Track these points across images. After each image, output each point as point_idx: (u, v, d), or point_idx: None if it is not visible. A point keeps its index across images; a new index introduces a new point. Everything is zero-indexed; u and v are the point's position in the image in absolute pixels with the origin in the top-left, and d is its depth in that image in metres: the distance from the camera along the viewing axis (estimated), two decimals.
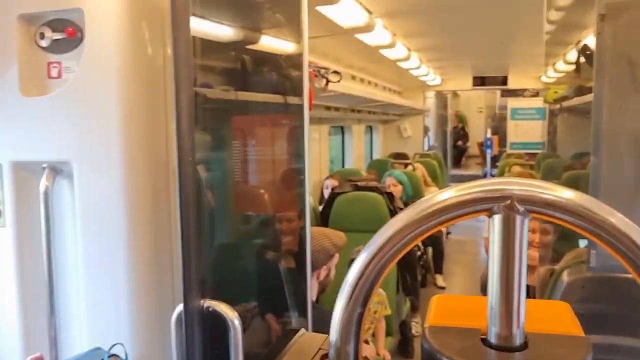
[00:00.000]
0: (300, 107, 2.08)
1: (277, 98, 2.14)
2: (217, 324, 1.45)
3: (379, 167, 6.78)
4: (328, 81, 3.19)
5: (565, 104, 6.48)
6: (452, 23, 4.85)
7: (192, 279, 1.38)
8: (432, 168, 7.17)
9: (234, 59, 2.05)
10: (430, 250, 5.90)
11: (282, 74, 2.12)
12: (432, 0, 3.96)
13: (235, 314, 1.44)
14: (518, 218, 0.60)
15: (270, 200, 2.16)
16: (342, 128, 6.93)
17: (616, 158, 1.84)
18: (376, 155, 8.65)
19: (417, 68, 6.47)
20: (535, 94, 8.94)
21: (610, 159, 1.84)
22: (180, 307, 1.34)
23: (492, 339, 0.63)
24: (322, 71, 3.08)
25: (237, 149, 2.05)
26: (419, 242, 0.65)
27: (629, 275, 1.74)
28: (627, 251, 0.59)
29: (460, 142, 14.10)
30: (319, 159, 5.63)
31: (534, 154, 7.84)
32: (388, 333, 3.67)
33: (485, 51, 6.74)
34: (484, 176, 10.85)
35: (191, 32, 1.14)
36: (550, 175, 5.85)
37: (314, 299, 2.51)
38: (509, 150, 8.24)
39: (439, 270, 6.35)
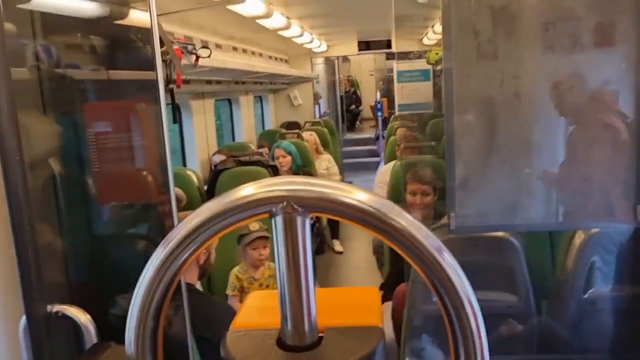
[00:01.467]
0: (154, 85, 1.99)
1: (131, 75, 2.04)
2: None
3: (270, 138, 6.74)
4: (198, 57, 3.09)
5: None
6: None
7: (33, 285, 1.30)
8: (323, 136, 7.22)
9: (82, 37, 1.93)
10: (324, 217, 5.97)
11: (135, 51, 2.02)
12: None
13: (88, 317, 1.37)
14: (298, 218, 0.59)
15: (134, 188, 2.08)
16: (229, 101, 6.81)
17: (467, 122, 1.91)
18: (269, 126, 8.60)
19: (300, 36, 6.44)
20: (419, 56, 9.17)
21: (462, 124, 1.91)
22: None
23: (286, 339, 0.62)
24: (190, 47, 2.97)
25: (92, 136, 1.94)
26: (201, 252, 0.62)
27: (487, 234, 1.83)
28: (411, 248, 0.60)
29: (353, 106, 14.32)
30: (206, 134, 5.51)
31: (422, 115, 8.08)
32: None
33: (368, 16, 6.81)
34: (377, 138, 11.12)
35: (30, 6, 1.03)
36: (434, 135, 6.06)
37: (194, 283, 2.47)
38: (397, 113, 8.43)
39: (335, 235, 6.46)
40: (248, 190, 0.59)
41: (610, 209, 1.88)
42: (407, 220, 0.60)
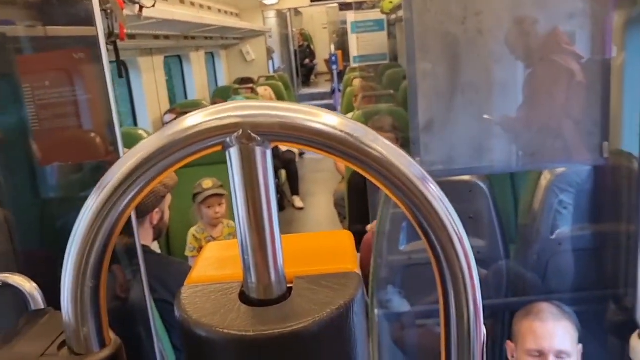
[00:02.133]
0: (94, 40, 1.83)
1: (71, 31, 1.89)
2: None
3: (224, 95, 6.55)
4: (141, 7, 2.90)
5: (400, 13, 6.57)
6: None
7: None
8: (278, 90, 7.06)
9: None
10: (283, 172, 5.89)
11: (73, 2, 1.86)
12: None
13: (34, 285, 1.26)
14: (257, 149, 0.50)
15: (79, 148, 1.95)
16: (179, 57, 6.56)
17: (429, 63, 1.83)
18: (222, 83, 8.37)
19: None
20: (373, 6, 9.00)
21: (424, 65, 1.82)
22: None
23: (250, 292, 0.54)
24: None
25: (28, 91, 1.80)
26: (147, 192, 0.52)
27: (454, 179, 1.76)
28: (390, 178, 0.51)
29: (307, 61, 14.08)
30: (157, 93, 5.30)
31: (378, 66, 7.98)
32: None
33: None
34: (332, 92, 10.98)
35: None
36: (391, 85, 5.97)
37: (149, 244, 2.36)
38: (352, 65, 8.30)
39: (295, 192, 6.40)
40: (195, 119, 0.49)
41: (575, 148, 1.85)
42: (384, 146, 0.51)
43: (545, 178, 1.94)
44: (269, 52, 9.83)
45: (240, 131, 0.49)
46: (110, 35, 2.60)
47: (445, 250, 0.53)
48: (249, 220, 0.52)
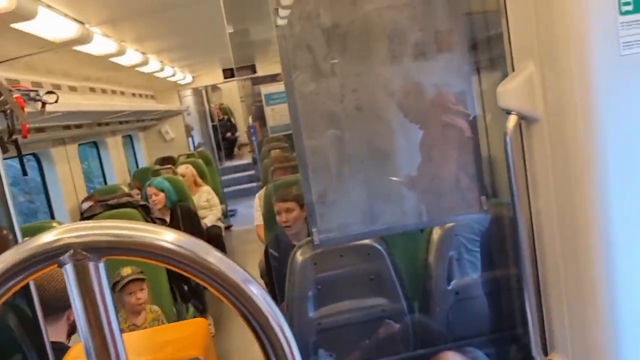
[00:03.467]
0: None
1: None
2: None
3: (144, 177, 6.54)
4: (44, 103, 2.94)
5: None
6: (179, 23, 4.80)
7: None
8: (199, 167, 7.12)
9: None
10: None
11: None
12: (148, 4, 3.87)
13: None
14: (90, 265, 0.58)
15: None
16: (95, 143, 6.54)
17: (316, 140, 1.97)
18: (142, 164, 8.35)
19: (161, 70, 6.33)
20: None
21: (311, 141, 1.96)
22: None
23: None
24: (32, 94, 2.83)
25: None
26: None
27: (351, 244, 1.87)
28: (219, 282, 0.60)
29: (229, 134, 14.24)
30: (72, 181, 5.25)
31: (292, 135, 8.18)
32: None
33: (227, 44, 6.83)
34: (254, 162, 11.13)
35: None
36: None
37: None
38: (270, 135, 8.52)
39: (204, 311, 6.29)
40: (30, 244, 0.57)
41: (460, 202, 2.01)
42: (215, 258, 0.60)
43: (437, 233, 2.09)
44: (188, 129, 9.92)
45: (72, 251, 0.57)
46: (10, 134, 2.62)
47: (270, 338, 0.61)
48: (90, 330, 0.59)
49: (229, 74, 8.51)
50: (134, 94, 7.09)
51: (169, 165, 6.95)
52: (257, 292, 0.60)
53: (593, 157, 1.44)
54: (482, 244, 2.20)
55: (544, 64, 1.50)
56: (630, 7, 1.30)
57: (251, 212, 6.18)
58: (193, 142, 10.54)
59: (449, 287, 2.09)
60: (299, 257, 2.08)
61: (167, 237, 0.59)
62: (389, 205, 2.00)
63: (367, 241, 2.07)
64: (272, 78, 9.81)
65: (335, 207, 1.98)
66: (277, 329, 0.61)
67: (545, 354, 2.08)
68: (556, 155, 1.56)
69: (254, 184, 10.44)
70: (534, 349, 1.97)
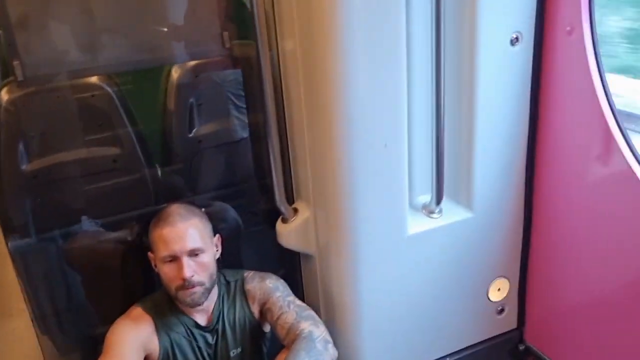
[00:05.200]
0: None
1: None
2: None
3: None
4: None
5: None
6: None
7: None
8: None
9: None
10: None
11: None
12: None
13: None
14: None
15: None
16: None
17: None
18: None
19: None
20: None
21: None
22: None
23: None
24: None
25: None
26: None
27: (68, 83, 1.49)
28: None
29: None
30: None
31: None
32: None
33: None
34: None
35: None
36: None
37: None
38: None
39: None
40: None
41: (197, 40, 1.75)
42: None
43: (176, 72, 1.83)
44: None
45: None
46: None
47: None
48: None
49: None
50: None
51: None
52: None
53: None
54: (213, 90, 1.97)
55: None
56: None
57: None
58: None
59: (191, 135, 1.88)
60: (3, 97, 1.69)
61: None
62: (113, 38, 1.67)
63: (91, 79, 1.73)
64: None
65: (44, 33, 1.60)
66: None
67: (292, 202, 2.03)
68: None
69: None
70: (277, 198, 1.88)
